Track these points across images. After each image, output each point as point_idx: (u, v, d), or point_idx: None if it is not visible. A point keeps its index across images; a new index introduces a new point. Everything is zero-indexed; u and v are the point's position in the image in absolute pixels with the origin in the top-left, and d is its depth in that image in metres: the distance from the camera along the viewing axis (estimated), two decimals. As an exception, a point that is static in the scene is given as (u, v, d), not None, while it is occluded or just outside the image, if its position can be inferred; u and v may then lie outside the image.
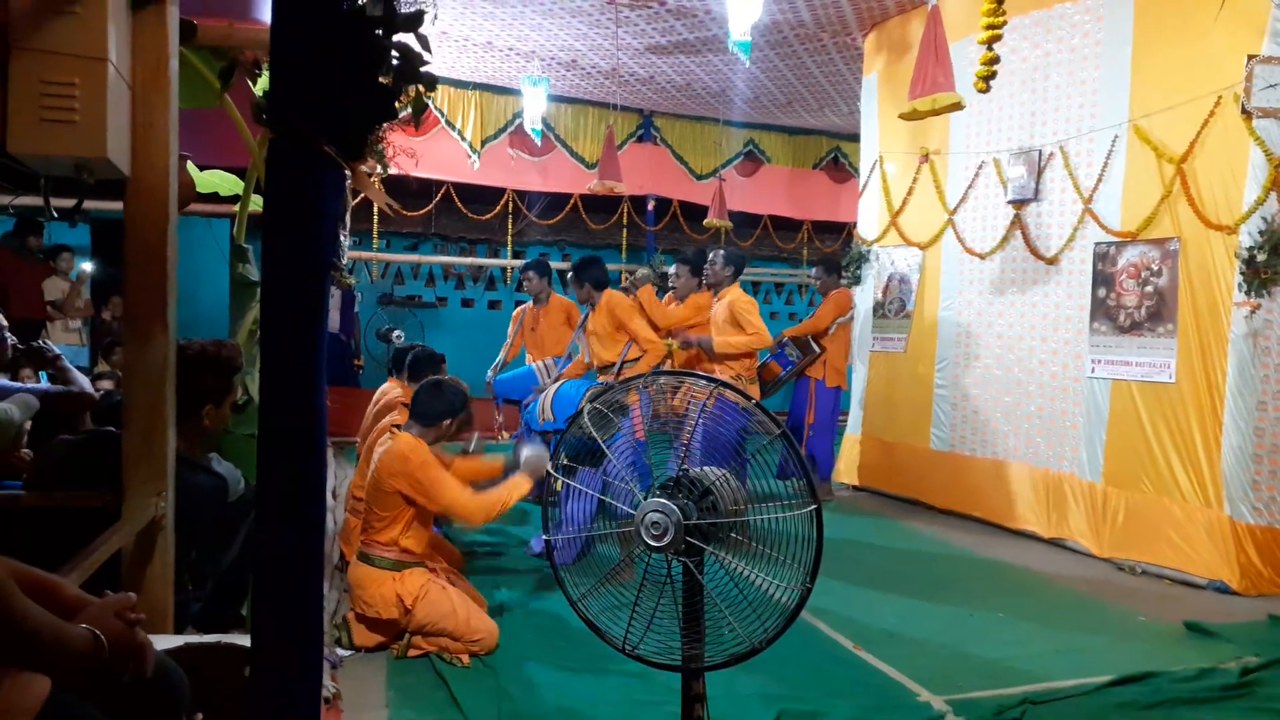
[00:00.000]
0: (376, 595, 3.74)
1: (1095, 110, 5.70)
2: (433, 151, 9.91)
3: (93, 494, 2.67)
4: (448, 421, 4.03)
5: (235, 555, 3.21)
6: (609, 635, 2.18)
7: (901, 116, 5.86)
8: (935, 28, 5.53)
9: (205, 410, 3.07)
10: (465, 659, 3.69)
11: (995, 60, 4.98)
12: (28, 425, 3.62)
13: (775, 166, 11.99)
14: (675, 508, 2.04)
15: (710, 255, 6.41)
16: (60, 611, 1.54)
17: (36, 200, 2.72)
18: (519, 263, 9.82)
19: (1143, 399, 5.37)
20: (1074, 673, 3.67)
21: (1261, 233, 4.77)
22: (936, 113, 5.58)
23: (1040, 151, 6.05)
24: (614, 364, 5.65)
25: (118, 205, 2.63)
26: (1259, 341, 4.87)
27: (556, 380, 5.79)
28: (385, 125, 3.61)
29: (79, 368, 4.73)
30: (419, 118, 2.15)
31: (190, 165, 4.33)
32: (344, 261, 5.26)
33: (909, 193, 7.17)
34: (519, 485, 3.91)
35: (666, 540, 2.04)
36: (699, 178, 11.45)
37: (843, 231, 12.08)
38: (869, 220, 7.68)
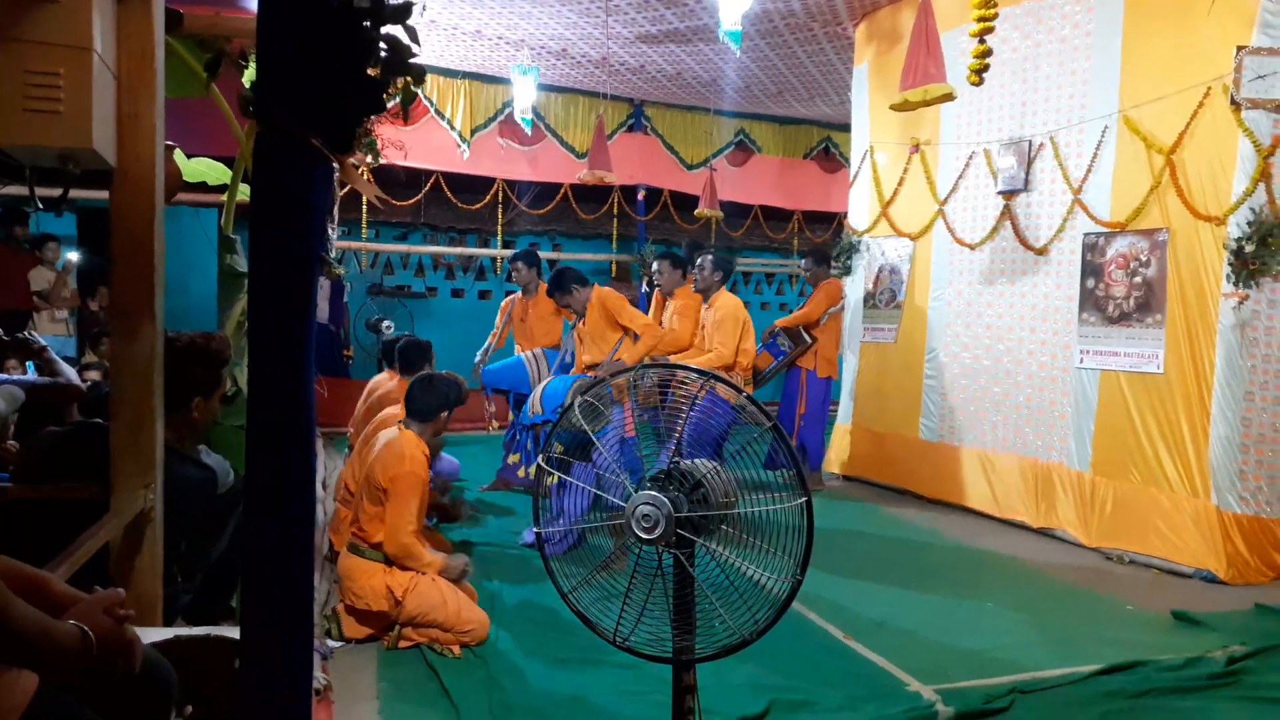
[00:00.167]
0: (366, 587, 3.73)
1: (1085, 101, 5.71)
2: (422, 141, 9.87)
3: (80, 486, 2.66)
4: (444, 414, 4.07)
5: (224, 547, 3.20)
6: (600, 627, 2.18)
7: (893, 108, 5.85)
8: (926, 18, 5.52)
9: (194, 402, 3.05)
10: (456, 650, 3.69)
11: (988, 53, 4.99)
12: (14, 417, 3.61)
13: (766, 156, 11.97)
14: (666, 500, 2.04)
15: (699, 260, 6.39)
16: (48, 608, 1.53)
17: (22, 190, 2.70)
18: (509, 252, 9.79)
19: (1131, 389, 5.39)
20: (1062, 662, 3.69)
21: (1250, 224, 4.79)
22: (928, 103, 5.57)
23: (1030, 142, 6.06)
24: (603, 363, 5.66)
25: (105, 194, 2.61)
26: (1247, 332, 4.90)
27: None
28: (373, 117, 3.59)
29: (66, 358, 4.70)
30: (407, 109, 2.14)
31: (178, 154, 4.29)
32: (332, 253, 5.24)
33: (899, 183, 7.17)
34: (433, 562, 3.85)
35: (657, 533, 2.04)
36: (690, 167, 11.42)
37: (833, 222, 12.08)
38: (859, 211, 7.68)
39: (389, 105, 1.64)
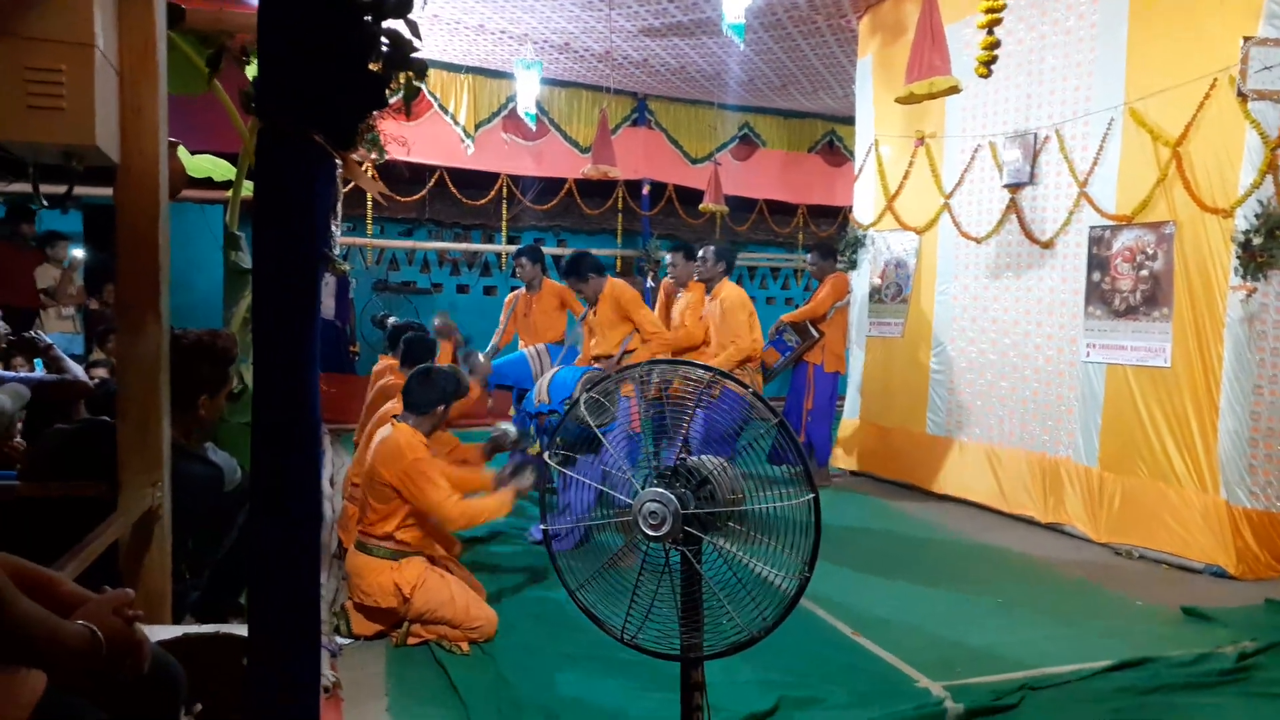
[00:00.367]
0: (374, 584, 3.73)
1: (1091, 93, 5.68)
2: (426, 136, 9.86)
3: (88, 484, 2.65)
4: (441, 408, 4.04)
5: (232, 544, 3.20)
6: (607, 625, 2.17)
7: (898, 100, 5.82)
8: (931, 10, 5.48)
9: (200, 400, 3.05)
10: (464, 647, 3.69)
11: (996, 44, 4.95)
12: (21, 414, 3.61)
13: (770, 150, 11.94)
14: (673, 497, 2.03)
15: (700, 252, 6.38)
16: (57, 608, 1.53)
17: (27, 187, 2.69)
18: (514, 248, 9.78)
19: (1138, 383, 5.37)
20: (1071, 658, 3.67)
21: (1257, 216, 4.76)
22: (933, 96, 5.54)
23: (1036, 135, 6.03)
24: (612, 356, 5.64)
25: (110, 191, 2.60)
26: (1255, 325, 4.87)
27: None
28: (376, 112, 3.58)
29: (73, 356, 4.71)
30: (410, 104, 2.12)
31: (182, 150, 4.29)
32: (336, 250, 5.23)
33: (905, 177, 7.14)
34: (504, 502, 3.90)
35: (664, 530, 2.03)
36: (694, 161, 11.40)
37: (839, 216, 12.04)
38: (864, 204, 7.66)
39: (391, 101, 1.62)
